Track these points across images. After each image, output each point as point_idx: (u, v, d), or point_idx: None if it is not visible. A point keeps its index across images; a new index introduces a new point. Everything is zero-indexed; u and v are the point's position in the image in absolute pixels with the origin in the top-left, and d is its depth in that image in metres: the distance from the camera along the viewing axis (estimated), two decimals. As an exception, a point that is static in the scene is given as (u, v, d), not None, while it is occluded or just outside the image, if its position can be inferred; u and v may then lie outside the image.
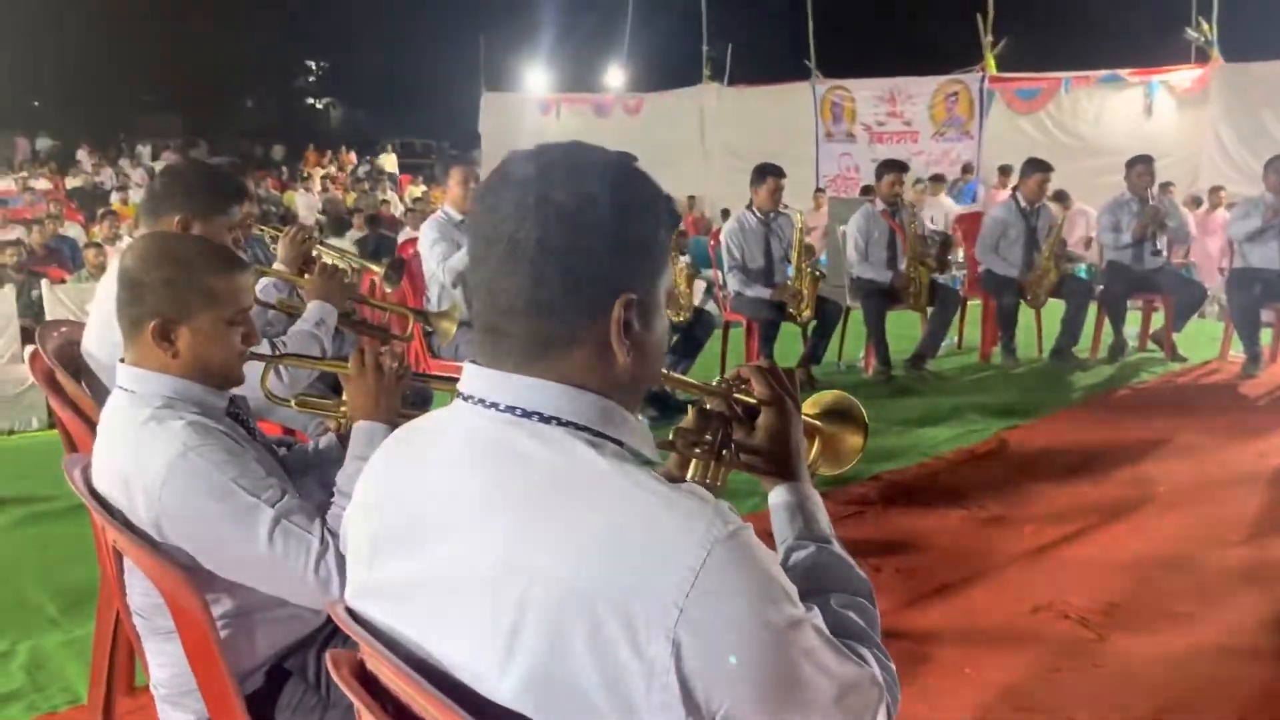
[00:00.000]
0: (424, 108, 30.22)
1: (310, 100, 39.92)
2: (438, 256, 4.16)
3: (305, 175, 19.80)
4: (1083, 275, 7.16)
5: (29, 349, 2.66)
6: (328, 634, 1.61)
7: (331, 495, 1.59)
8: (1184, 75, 12.26)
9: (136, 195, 13.89)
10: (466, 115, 19.41)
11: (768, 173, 5.43)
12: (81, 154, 20.11)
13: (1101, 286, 6.13)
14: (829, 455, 1.38)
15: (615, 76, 19.72)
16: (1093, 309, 6.01)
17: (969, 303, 6.38)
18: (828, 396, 1.40)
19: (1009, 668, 2.51)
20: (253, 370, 1.68)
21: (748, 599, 0.81)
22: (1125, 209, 5.94)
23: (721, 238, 5.58)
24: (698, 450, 1.21)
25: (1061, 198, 8.11)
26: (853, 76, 14.46)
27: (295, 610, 1.55)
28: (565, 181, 0.88)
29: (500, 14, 23.84)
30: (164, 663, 1.57)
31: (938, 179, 11.18)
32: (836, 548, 1.15)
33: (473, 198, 0.97)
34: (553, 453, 0.86)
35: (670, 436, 1.21)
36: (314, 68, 40.01)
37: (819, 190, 12.71)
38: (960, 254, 7.02)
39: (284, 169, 21.84)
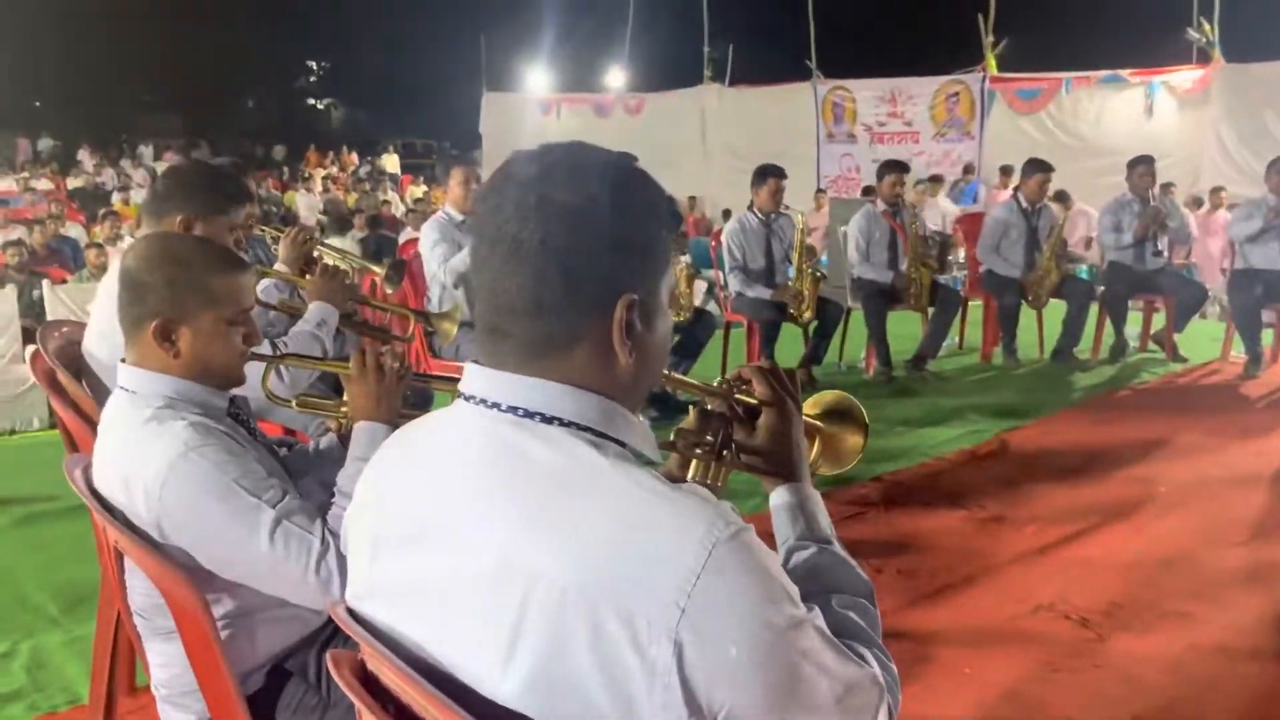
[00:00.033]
0: (425, 108, 30.26)
1: (311, 100, 39.96)
2: (439, 257, 4.16)
3: (306, 176, 19.84)
4: (1084, 276, 7.14)
5: (30, 349, 2.66)
6: (328, 634, 1.61)
7: (332, 495, 1.59)
8: (1185, 76, 12.26)
9: (138, 195, 13.91)
10: (467, 115, 19.45)
11: (769, 173, 5.43)
12: (83, 154, 20.17)
13: (1103, 287, 6.12)
14: (830, 455, 1.38)
15: (616, 77, 19.74)
16: (1094, 309, 6.00)
17: (970, 303, 6.37)
18: (828, 397, 1.40)
19: (1010, 668, 2.51)
20: (254, 371, 1.69)
21: (749, 599, 0.81)
22: (1126, 209, 5.94)
23: (722, 238, 5.58)
24: (699, 451, 1.21)
25: (1062, 198, 8.10)
26: (854, 77, 14.46)
27: (296, 610, 1.55)
28: (567, 182, 0.88)
29: (501, 14, 23.89)
30: (165, 663, 1.57)
31: (936, 180, 11.17)
32: (837, 548, 1.15)
33: (475, 198, 0.97)
34: (554, 453, 0.86)
35: (671, 437, 1.21)
36: (315, 68, 40.06)
37: (820, 191, 12.70)
38: (961, 254, 7.01)
39: (285, 169, 21.90)
